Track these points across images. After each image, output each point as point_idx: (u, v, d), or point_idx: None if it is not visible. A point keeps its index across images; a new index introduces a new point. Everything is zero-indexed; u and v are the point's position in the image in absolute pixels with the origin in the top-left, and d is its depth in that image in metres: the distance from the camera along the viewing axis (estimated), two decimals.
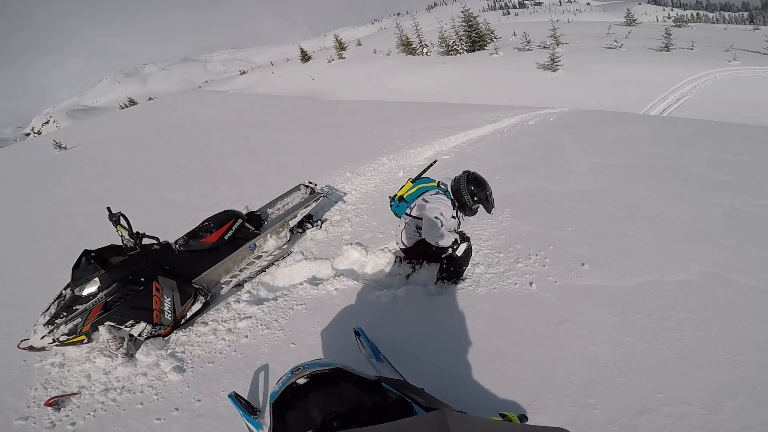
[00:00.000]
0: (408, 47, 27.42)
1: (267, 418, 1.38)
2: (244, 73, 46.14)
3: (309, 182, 3.99)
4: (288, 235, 3.56)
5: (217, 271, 3.04)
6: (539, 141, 5.90)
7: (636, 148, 5.20)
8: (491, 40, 25.13)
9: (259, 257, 3.35)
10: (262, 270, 3.33)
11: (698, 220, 3.27)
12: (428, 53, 26.22)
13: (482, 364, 2.18)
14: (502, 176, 4.52)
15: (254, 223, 3.44)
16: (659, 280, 2.60)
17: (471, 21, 24.67)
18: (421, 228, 2.67)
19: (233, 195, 5.52)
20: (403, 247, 2.92)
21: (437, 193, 2.72)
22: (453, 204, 2.78)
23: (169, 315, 2.67)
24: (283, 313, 2.84)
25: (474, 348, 2.30)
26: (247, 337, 2.69)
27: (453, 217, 2.79)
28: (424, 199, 2.71)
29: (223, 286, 3.11)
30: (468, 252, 2.76)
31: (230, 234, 3.12)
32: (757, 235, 2.99)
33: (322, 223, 3.99)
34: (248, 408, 1.96)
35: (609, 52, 19.34)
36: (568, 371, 2.06)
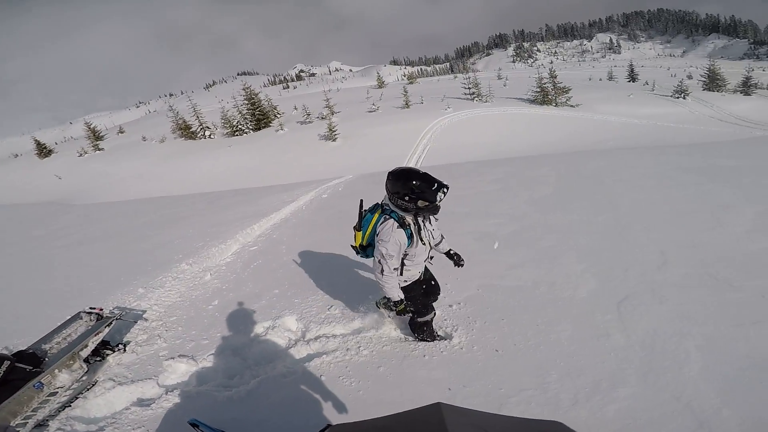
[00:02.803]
0: (187, 131, 25.70)
1: None
2: None
3: (91, 308, 3.49)
4: (84, 366, 3.10)
5: (1, 415, 2.63)
6: (335, 212, 6.56)
7: None
8: (275, 116, 26.55)
9: (53, 394, 2.93)
10: (66, 405, 2.90)
11: (462, 245, 4.19)
12: (212, 136, 25.29)
13: (359, 415, 2.22)
14: (311, 254, 4.70)
15: (29, 362, 2.98)
16: (454, 300, 3.30)
17: (254, 98, 25.33)
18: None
19: None
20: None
21: (384, 220, 2.41)
22: (402, 221, 2.38)
23: None
24: None
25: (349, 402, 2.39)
26: None
27: (410, 237, 2.41)
28: (377, 235, 2.41)
29: (18, 429, 2.66)
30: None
31: None
32: (499, 248, 4.14)
33: (124, 346, 3.48)
34: None
35: (370, 115, 23.82)
36: (428, 398, 2.29)
